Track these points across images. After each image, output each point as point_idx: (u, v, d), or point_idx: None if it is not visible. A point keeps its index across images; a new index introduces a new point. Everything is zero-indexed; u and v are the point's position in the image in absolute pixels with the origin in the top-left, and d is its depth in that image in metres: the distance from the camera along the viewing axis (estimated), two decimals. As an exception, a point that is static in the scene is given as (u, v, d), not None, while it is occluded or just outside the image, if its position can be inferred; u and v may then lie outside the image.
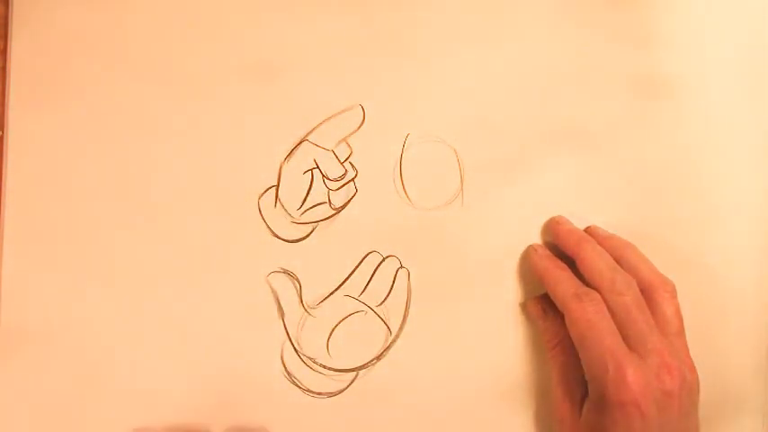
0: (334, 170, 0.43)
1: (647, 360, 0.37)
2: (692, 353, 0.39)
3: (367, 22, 0.43)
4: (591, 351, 0.37)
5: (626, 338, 0.37)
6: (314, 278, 0.42)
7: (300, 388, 0.42)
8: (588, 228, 0.43)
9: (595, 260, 0.40)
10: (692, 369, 0.38)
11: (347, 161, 0.43)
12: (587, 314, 0.38)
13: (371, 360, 0.42)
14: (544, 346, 0.42)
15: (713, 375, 0.41)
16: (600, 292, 0.38)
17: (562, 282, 0.40)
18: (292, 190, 0.42)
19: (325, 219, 0.42)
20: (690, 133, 0.44)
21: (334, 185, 0.43)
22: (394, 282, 0.43)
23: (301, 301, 0.42)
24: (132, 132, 0.42)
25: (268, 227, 0.42)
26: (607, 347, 0.37)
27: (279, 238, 0.42)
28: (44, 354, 0.40)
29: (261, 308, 0.42)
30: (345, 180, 0.43)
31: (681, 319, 0.40)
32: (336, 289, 0.42)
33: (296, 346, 0.42)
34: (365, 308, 0.42)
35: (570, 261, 0.41)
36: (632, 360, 0.36)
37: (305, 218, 0.42)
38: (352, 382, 0.42)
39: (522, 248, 0.43)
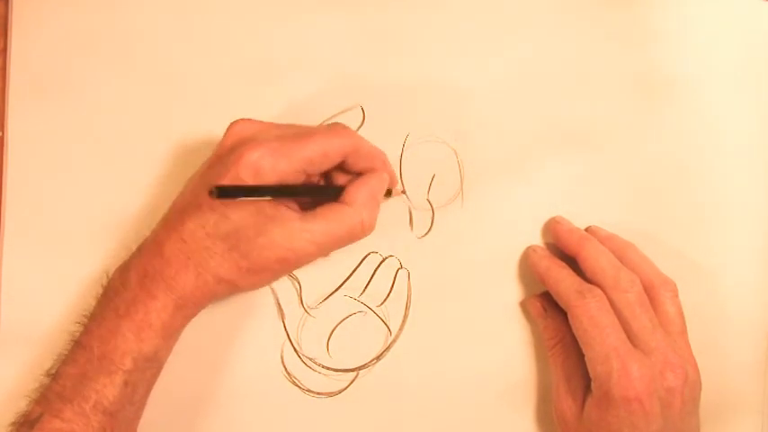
0: (334, 170, 0.42)
1: (651, 357, 0.37)
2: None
3: (367, 22, 0.43)
4: (595, 348, 0.37)
5: (629, 335, 0.38)
6: (314, 278, 0.42)
7: (300, 388, 0.42)
8: (588, 228, 0.43)
9: (598, 258, 0.40)
10: (695, 367, 0.39)
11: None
12: (590, 310, 0.38)
13: (371, 360, 0.42)
14: (545, 345, 0.42)
15: (713, 375, 0.41)
16: (603, 290, 0.38)
17: (564, 279, 0.40)
18: (292, 190, 0.42)
19: (326, 219, 0.42)
20: (690, 133, 0.44)
21: (334, 185, 0.42)
22: (394, 282, 0.43)
23: (301, 302, 0.42)
24: (132, 132, 0.42)
25: (268, 227, 0.42)
26: (611, 344, 0.37)
27: (279, 238, 0.42)
28: (44, 353, 0.40)
29: (261, 308, 0.42)
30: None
31: (683, 319, 0.40)
32: (336, 289, 0.42)
33: (296, 346, 0.42)
34: (365, 308, 0.42)
35: (570, 261, 0.41)
36: (636, 357, 0.37)
37: (305, 218, 0.42)
38: (352, 382, 0.42)
39: (522, 249, 0.43)
